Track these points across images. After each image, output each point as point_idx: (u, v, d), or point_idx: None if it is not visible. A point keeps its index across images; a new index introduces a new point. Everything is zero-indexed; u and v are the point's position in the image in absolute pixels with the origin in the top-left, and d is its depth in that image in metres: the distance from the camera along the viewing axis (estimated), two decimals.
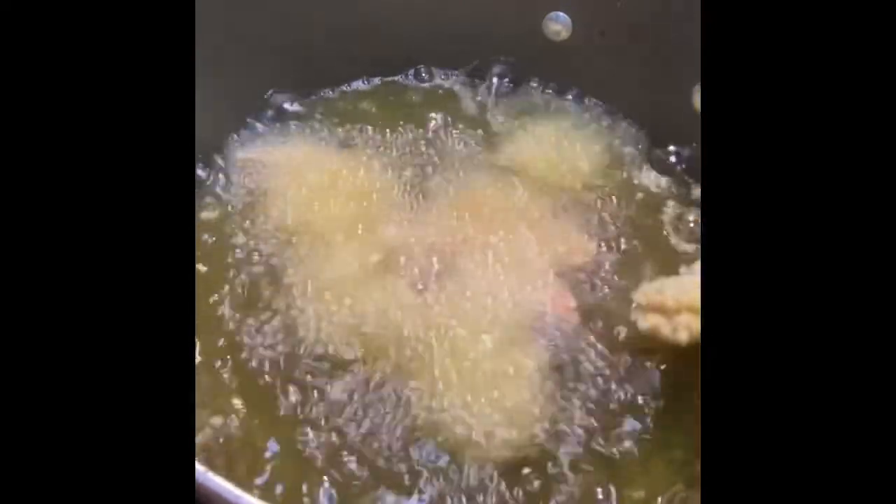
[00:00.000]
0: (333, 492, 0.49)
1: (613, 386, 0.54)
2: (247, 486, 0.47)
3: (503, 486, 0.50)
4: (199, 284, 0.57)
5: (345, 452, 0.50)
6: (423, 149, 0.67)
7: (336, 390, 0.52)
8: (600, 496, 0.50)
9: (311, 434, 0.51)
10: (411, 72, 0.73)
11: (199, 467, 0.35)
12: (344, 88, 0.71)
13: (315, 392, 0.52)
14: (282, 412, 0.52)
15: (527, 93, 0.72)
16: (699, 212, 0.64)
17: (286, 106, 0.69)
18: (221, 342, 0.55)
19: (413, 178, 0.64)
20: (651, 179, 0.67)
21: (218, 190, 0.63)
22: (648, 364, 0.55)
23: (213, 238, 0.60)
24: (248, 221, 0.61)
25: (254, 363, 0.54)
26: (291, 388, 0.53)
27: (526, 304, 0.56)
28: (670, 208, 0.65)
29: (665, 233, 0.64)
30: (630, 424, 0.53)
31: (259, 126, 0.67)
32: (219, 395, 0.52)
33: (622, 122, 0.70)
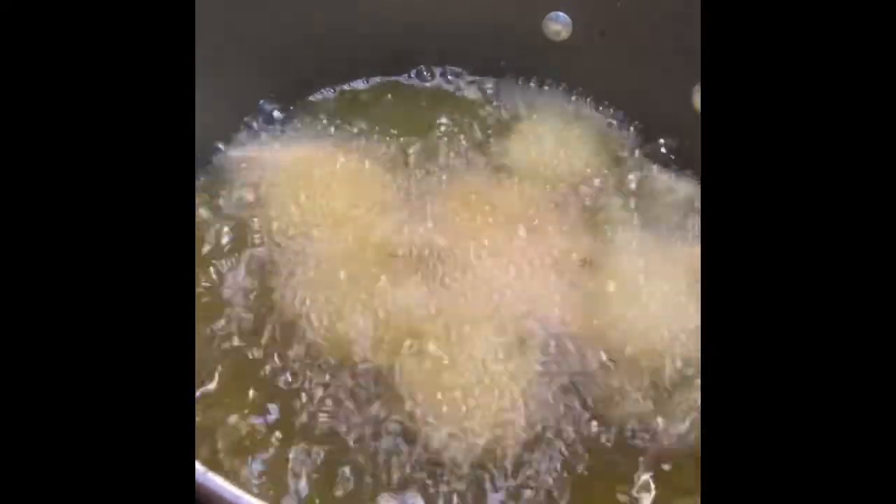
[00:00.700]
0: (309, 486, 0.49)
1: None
2: (246, 486, 0.47)
3: (480, 486, 0.50)
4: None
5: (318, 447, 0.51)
6: (423, 148, 0.67)
7: (323, 388, 0.53)
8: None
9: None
10: (411, 72, 0.73)
11: (199, 467, 0.35)
12: (344, 88, 0.71)
13: (304, 391, 0.53)
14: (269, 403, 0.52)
15: (527, 92, 0.72)
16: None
17: (285, 106, 0.69)
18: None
19: (412, 178, 0.64)
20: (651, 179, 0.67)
21: (216, 190, 0.63)
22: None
23: (213, 238, 0.60)
24: (247, 221, 0.61)
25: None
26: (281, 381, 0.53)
27: (526, 304, 0.57)
28: None
29: None
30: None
31: (257, 126, 0.67)
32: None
33: (622, 122, 0.70)
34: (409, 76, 0.73)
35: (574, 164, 0.66)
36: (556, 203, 0.64)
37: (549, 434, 0.52)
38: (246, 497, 0.35)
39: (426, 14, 0.70)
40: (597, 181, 0.66)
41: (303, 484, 0.49)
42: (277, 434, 0.51)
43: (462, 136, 0.68)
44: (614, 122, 0.70)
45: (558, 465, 0.51)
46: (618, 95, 0.70)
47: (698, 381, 0.54)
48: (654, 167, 0.68)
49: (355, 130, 0.68)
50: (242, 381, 0.53)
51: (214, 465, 0.44)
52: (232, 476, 0.48)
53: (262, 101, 0.68)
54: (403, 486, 0.50)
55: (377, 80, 0.72)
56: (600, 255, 0.61)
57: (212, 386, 0.53)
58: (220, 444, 0.50)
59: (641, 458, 0.52)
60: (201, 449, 0.49)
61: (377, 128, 0.68)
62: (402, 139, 0.67)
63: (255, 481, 0.49)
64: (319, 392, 0.53)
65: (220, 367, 0.53)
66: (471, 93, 0.72)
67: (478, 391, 0.52)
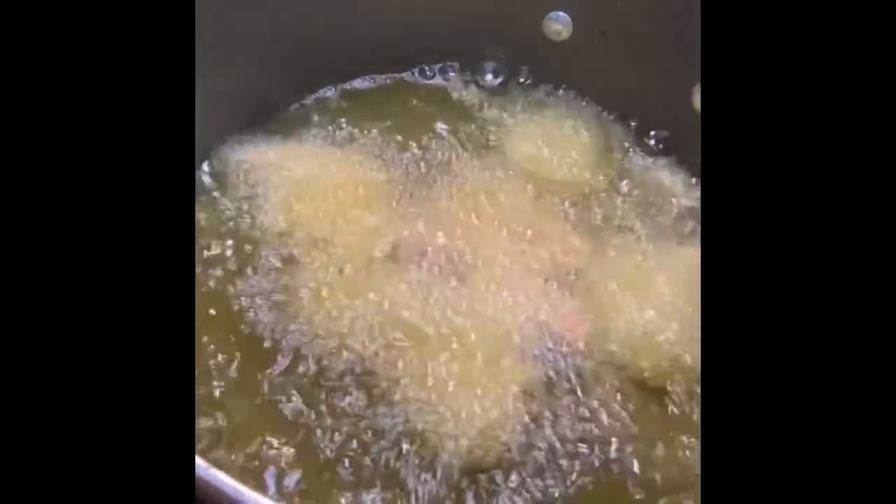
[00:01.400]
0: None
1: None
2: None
3: (467, 489, 0.50)
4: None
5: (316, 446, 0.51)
6: (424, 147, 0.67)
7: (321, 388, 0.53)
8: None
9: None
10: (411, 71, 0.73)
11: (200, 462, 0.35)
12: (345, 87, 0.71)
13: (301, 390, 0.53)
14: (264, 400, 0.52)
15: (527, 92, 0.72)
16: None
17: (285, 106, 0.69)
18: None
19: (413, 177, 0.64)
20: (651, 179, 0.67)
21: (217, 190, 0.63)
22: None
23: (213, 238, 0.60)
24: (247, 222, 0.61)
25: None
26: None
27: (525, 305, 0.57)
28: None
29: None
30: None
31: (257, 126, 0.67)
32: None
33: (622, 122, 0.70)
34: (409, 75, 0.73)
35: (574, 163, 0.66)
36: (556, 203, 0.64)
37: (547, 436, 0.52)
38: (247, 493, 0.35)
39: (426, 14, 0.70)
40: (596, 181, 0.66)
41: (297, 478, 0.49)
42: (277, 434, 0.51)
43: (462, 136, 0.68)
44: (614, 121, 0.70)
45: (556, 470, 0.51)
46: (618, 95, 0.70)
47: (699, 385, 0.54)
48: (654, 167, 0.68)
49: (355, 130, 0.68)
50: (242, 380, 0.53)
51: (216, 462, 0.44)
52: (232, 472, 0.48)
53: (262, 101, 0.68)
54: (402, 485, 0.50)
55: (377, 79, 0.72)
56: (600, 256, 0.61)
57: (211, 386, 0.53)
58: (220, 442, 0.50)
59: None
60: (201, 445, 0.50)
61: (377, 127, 0.68)
62: (402, 138, 0.67)
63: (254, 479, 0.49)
64: (317, 392, 0.53)
65: (220, 367, 0.54)
66: (471, 93, 0.72)
67: (476, 392, 0.52)
